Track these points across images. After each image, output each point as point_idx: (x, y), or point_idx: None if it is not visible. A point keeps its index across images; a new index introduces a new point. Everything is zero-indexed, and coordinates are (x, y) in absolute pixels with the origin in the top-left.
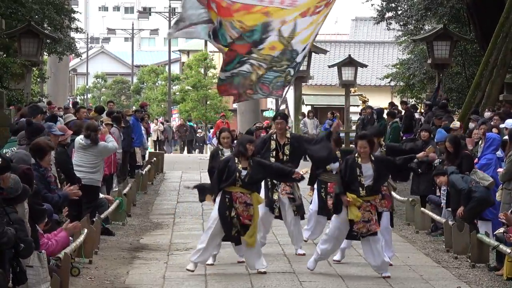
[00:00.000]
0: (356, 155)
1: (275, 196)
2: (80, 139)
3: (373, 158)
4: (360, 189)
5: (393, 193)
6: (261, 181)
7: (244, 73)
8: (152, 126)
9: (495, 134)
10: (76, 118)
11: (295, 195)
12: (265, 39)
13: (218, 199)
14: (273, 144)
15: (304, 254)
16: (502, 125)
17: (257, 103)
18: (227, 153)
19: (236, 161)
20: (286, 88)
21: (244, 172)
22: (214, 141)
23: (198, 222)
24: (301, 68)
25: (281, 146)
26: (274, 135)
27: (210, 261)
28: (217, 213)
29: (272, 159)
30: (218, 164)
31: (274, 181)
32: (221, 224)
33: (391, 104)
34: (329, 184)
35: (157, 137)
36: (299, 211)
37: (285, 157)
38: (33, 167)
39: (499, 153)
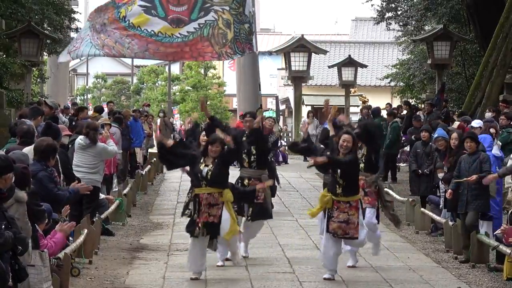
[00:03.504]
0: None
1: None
2: (79, 139)
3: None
4: (337, 186)
5: (392, 192)
6: (226, 176)
7: (211, 22)
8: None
9: (485, 134)
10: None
11: (260, 197)
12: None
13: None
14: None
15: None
16: (476, 124)
17: (257, 103)
18: None
19: (202, 160)
20: (254, 42)
21: (205, 170)
22: None
23: None
24: (299, 67)
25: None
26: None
27: (220, 263)
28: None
29: (245, 157)
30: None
31: (244, 182)
32: (188, 222)
33: (389, 105)
34: None
35: (173, 136)
36: (254, 215)
37: (252, 157)
38: (41, 167)
39: (498, 152)
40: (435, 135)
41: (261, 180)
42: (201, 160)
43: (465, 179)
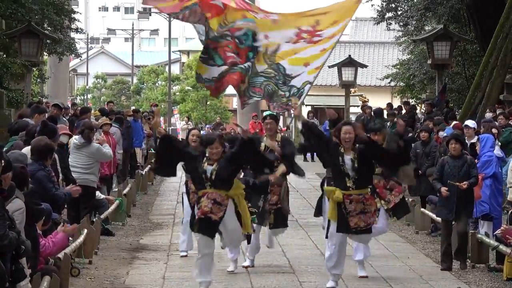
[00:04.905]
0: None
1: (267, 206)
2: (74, 138)
3: (356, 148)
4: (346, 179)
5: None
6: (232, 176)
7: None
8: (182, 124)
9: (487, 134)
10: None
11: (279, 203)
12: (256, 48)
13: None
14: (262, 147)
15: (247, 267)
16: (471, 124)
17: (257, 104)
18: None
19: (204, 160)
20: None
21: (209, 170)
22: None
23: None
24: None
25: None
26: (265, 137)
27: (231, 268)
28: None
29: None
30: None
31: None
32: (191, 218)
33: (389, 105)
34: None
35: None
36: (277, 223)
37: (276, 162)
38: (39, 167)
39: (499, 152)
40: (444, 134)
41: (281, 186)
42: (203, 159)
43: (458, 184)
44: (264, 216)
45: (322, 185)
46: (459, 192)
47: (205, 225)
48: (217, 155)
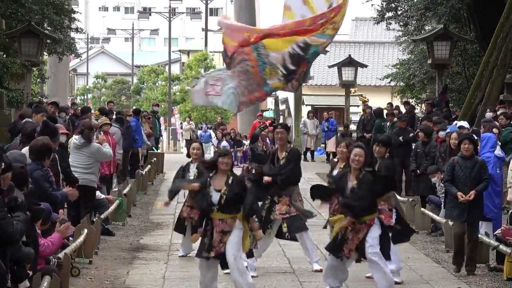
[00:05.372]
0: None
1: (272, 217)
2: (74, 138)
3: (361, 175)
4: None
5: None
6: (242, 199)
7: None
8: (184, 124)
9: (490, 133)
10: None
11: (293, 211)
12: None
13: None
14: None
15: (321, 270)
16: (466, 124)
17: (257, 104)
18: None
19: (209, 183)
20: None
21: (216, 196)
22: (214, 141)
23: None
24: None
25: (279, 160)
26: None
27: (252, 273)
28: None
29: None
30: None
31: (273, 199)
32: (199, 245)
33: (390, 104)
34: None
35: (190, 136)
36: (291, 230)
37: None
38: (37, 167)
39: (500, 152)
40: (447, 131)
41: (291, 196)
42: (209, 183)
43: (467, 198)
44: (267, 225)
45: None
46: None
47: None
48: (228, 166)
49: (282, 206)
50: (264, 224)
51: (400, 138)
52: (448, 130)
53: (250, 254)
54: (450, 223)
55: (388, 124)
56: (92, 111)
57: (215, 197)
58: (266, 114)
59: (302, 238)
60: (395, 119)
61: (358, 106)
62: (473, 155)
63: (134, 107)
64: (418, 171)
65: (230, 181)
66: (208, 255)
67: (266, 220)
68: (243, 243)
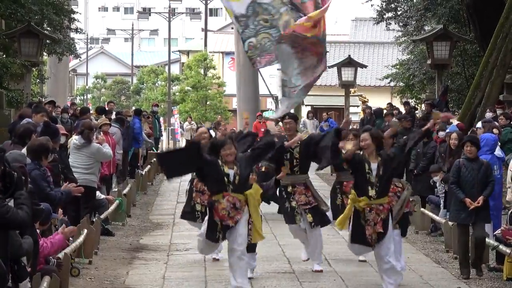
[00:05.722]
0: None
1: (293, 204)
2: (74, 138)
3: (379, 157)
4: (369, 188)
5: None
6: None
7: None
8: (185, 125)
9: (489, 134)
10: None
11: (312, 201)
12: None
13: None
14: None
15: (321, 271)
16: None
17: (257, 104)
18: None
19: (220, 163)
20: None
21: (231, 174)
22: None
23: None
24: None
25: (292, 149)
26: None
27: (249, 274)
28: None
29: (286, 162)
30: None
31: (288, 190)
32: (207, 229)
33: (390, 104)
34: (344, 183)
35: (191, 136)
36: (316, 220)
37: (295, 161)
38: (35, 166)
39: (500, 153)
40: (447, 130)
41: (307, 185)
42: (220, 163)
43: (476, 205)
44: (289, 215)
45: (333, 191)
46: (476, 197)
47: (212, 233)
48: (232, 156)
49: (300, 196)
50: (290, 213)
51: (404, 138)
52: (448, 130)
53: (251, 249)
54: (450, 223)
55: (386, 123)
56: (91, 111)
57: (232, 176)
58: (265, 114)
59: (315, 233)
60: (394, 119)
61: (357, 106)
62: (477, 157)
63: (134, 107)
64: (415, 171)
65: (238, 164)
66: (218, 237)
67: (292, 208)
68: (253, 234)
